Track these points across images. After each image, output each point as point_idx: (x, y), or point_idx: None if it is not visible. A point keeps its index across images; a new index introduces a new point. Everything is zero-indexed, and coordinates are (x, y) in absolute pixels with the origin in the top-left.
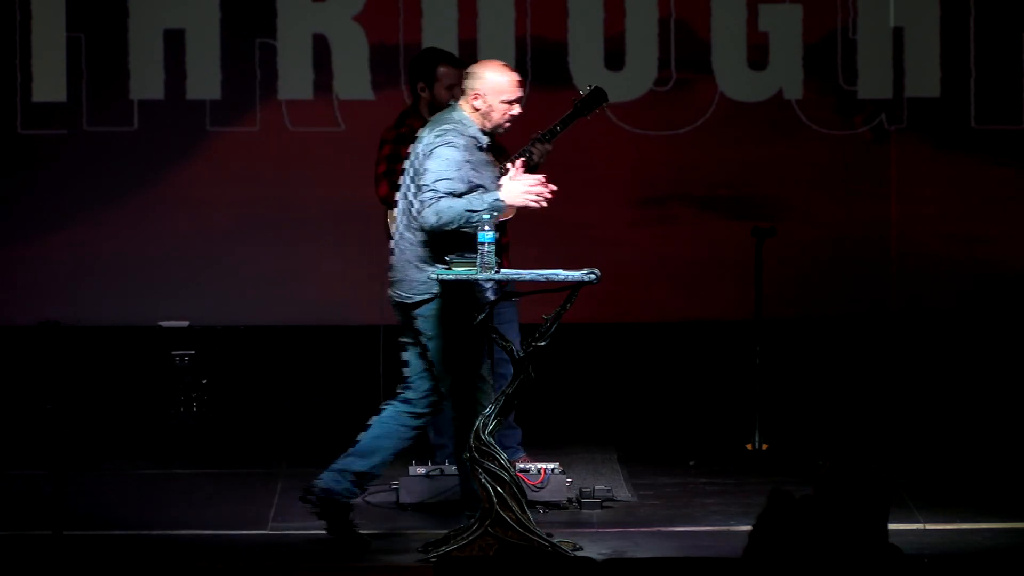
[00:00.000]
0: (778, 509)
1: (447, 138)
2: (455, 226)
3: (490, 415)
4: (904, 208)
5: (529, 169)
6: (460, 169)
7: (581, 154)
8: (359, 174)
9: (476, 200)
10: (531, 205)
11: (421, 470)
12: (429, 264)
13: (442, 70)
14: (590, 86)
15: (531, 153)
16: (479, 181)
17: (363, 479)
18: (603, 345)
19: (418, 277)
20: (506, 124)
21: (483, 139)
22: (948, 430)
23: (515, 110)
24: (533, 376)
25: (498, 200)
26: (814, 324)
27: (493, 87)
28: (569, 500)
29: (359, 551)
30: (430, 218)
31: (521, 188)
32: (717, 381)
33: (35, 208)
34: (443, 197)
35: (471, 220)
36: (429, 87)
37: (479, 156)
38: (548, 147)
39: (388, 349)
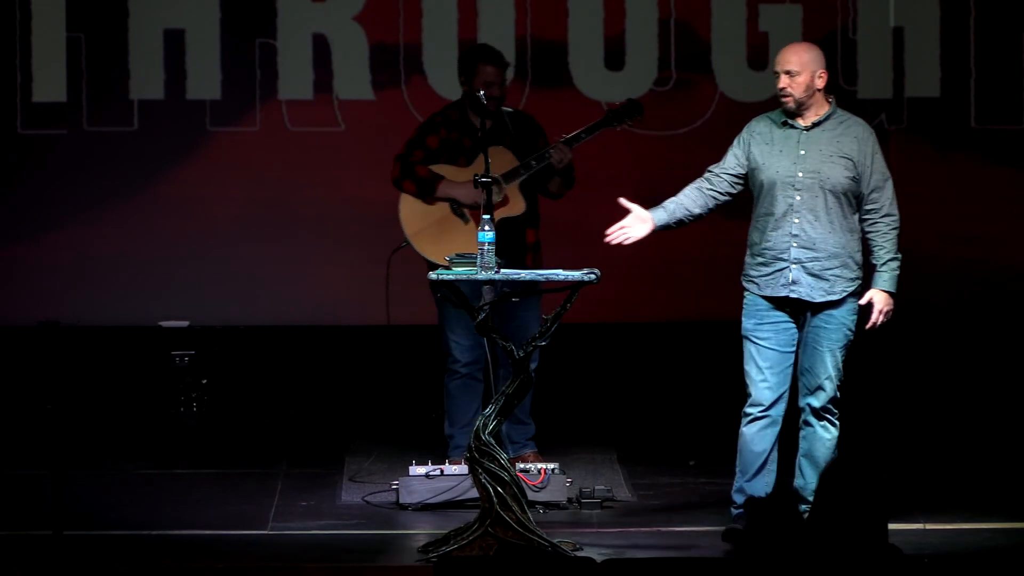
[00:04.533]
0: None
1: None
2: None
3: (490, 415)
4: (904, 208)
5: (547, 172)
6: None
7: (581, 154)
8: (359, 174)
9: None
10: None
11: (421, 470)
12: None
13: (481, 67)
14: (629, 99)
15: (549, 155)
16: (760, 159)
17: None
18: (603, 345)
19: None
20: (781, 99)
21: (781, 119)
22: (948, 430)
23: (779, 83)
24: (533, 376)
25: None
26: None
27: None
28: (569, 500)
29: None
30: None
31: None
32: (717, 381)
33: (35, 208)
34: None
35: None
36: (468, 82)
37: (778, 135)
38: (568, 152)
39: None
